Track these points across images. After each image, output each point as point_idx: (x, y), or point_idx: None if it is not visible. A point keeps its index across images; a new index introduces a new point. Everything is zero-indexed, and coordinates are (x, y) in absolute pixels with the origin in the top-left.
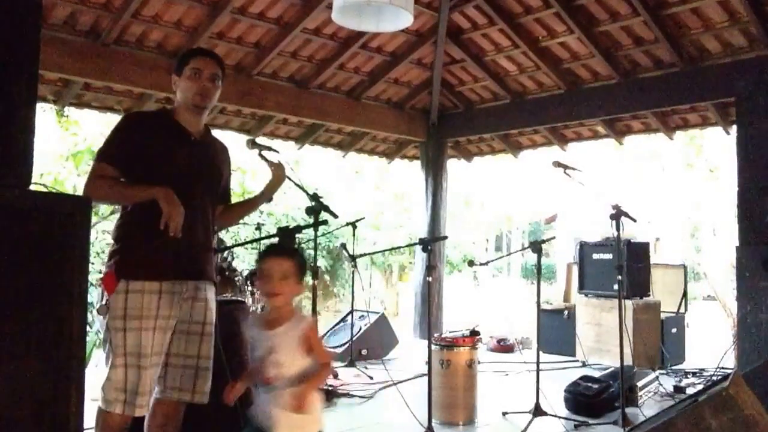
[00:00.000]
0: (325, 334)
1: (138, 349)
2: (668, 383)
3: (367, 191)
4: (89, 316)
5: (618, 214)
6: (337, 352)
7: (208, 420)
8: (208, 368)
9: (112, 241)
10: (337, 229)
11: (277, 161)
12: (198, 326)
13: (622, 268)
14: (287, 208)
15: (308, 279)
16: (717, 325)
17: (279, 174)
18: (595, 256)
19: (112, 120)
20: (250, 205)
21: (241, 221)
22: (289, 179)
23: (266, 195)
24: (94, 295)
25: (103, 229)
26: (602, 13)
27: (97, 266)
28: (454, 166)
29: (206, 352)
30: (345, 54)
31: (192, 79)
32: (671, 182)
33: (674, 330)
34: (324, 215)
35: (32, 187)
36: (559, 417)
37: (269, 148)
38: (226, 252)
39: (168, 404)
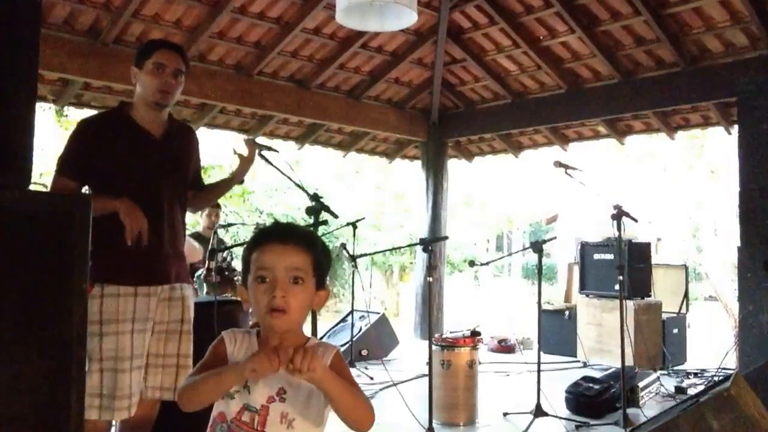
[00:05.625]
0: (325, 335)
1: (115, 353)
2: (669, 384)
3: (367, 191)
4: None
5: (619, 214)
6: None
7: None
8: (189, 366)
9: None
10: (337, 229)
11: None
12: (176, 325)
13: (623, 268)
14: (287, 208)
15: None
16: (718, 325)
17: (250, 154)
18: (596, 256)
19: None
20: (222, 186)
21: (240, 222)
22: (289, 179)
23: (238, 177)
24: None
25: None
26: (603, 12)
27: None
28: (454, 165)
29: (186, 350)
30: (345, 54)
31: (154, 74)
32: (672, 182)
33: (675, 330)
34: (324, 215)
35: (32, 187)
36: (560, 417)
37: (269, 148)
38: (225, 252)
39: (144, 404)
